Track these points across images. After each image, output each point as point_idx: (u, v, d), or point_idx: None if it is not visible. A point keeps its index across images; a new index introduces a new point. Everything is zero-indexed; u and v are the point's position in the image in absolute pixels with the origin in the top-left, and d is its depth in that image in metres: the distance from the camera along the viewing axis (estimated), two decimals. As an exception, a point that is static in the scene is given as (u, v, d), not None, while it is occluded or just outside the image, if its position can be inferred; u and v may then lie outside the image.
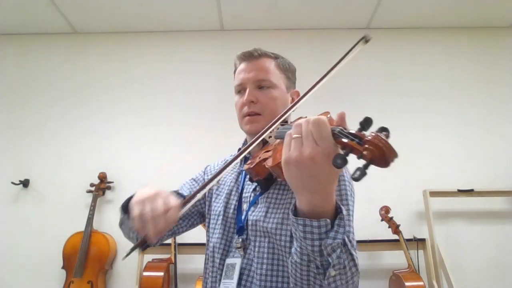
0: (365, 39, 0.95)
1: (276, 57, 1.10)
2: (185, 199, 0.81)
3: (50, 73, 3.03)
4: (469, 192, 2.57)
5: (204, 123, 2.87)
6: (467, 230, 2.62)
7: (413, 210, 2.65)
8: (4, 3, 2.75)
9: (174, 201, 0.76)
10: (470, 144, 2.82)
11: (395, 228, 2.41)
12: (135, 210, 0.76)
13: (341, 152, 0.60)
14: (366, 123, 0.60)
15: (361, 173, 0.54)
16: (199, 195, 0.83)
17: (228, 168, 0.86)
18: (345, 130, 0.62)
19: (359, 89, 2.96)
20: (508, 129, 2.86)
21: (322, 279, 0.70)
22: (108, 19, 2.98)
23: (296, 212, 0.71)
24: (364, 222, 2.46)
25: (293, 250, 0.74)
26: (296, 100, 0.99)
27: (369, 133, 0.58)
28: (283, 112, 0.94)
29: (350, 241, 0.73)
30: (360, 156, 0.57)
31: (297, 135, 0.65)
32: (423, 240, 2.50)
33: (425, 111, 2.91)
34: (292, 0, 2.80)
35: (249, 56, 1.08)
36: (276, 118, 0.92)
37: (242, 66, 1.08)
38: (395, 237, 2.42)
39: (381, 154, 0.55)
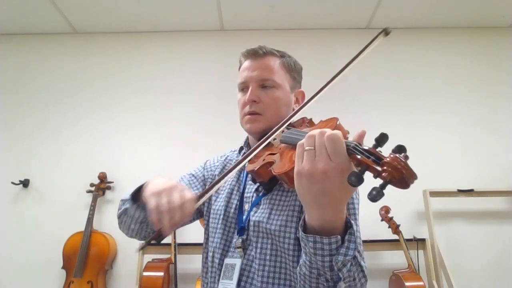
0: (386, 32, 0.91)
1: (282, 55, 1.07)
2: (200, 193, 0.83)
3: (50, 73, 3.03)
4: (469, 192, 2.57)
5: (204, 123, 2.87)
6: (467, 230, 2.62)
7: (413, 210, 2.65)
8: (4, 3, 2.75)
9: (190, 194, 0.77)
10: (470, 144, 2.82)
11: (395, 228, 2.41)
12: (151, 201, 0.76)
13: (356, 169, 0.59)
14: (381, 139, 0.59)
15: (377, 193, 0.53)
16: (212, 190, 0.84)
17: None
18: (360, 146, 0.61)
19: (359, 88, 2.96)
20: (508, 129, 2.86)
21: None
22: (108, 19, 2.98)
23: (305, 227, 0.70)
24: (364, 222, 2.45)
25: (301, 261, 0.73)
26: (304, 102, 0.96)
27: (387, 155, 0.56)
28: (290, 115, 0.92)
29: (359, 251, 0.72)
30: (377, 176, 0.56)
31: (310, 148, 0.64)
32: (423, 240, 2.50)
33: (425, 111, 2.91)
34: (292, 0, 2.80)
35: (253, 54, 1.05)
36: (284, 121, 0.90)
37: (246, 63, 1.06)
38: (395, 237, 2.42)
39: (400, 176, 0.53)
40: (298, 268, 0.75)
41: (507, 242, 2.59)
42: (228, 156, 1.17)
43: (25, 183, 2.72)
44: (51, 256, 2.50)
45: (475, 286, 2.49)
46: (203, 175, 1.15)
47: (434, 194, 2.57)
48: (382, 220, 2.47)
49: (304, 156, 0.64)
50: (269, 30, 3.08)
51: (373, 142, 0.59)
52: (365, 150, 0.59)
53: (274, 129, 0.89)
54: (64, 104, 2.94)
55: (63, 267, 2.43)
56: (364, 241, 2.61)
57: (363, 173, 0.57)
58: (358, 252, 0.71)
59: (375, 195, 0.53)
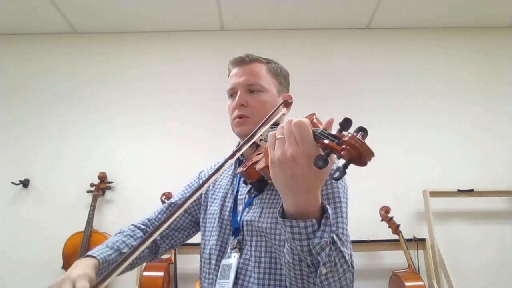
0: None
1: (268, 62, 1.12)
2: (100, 278, 0.79)
3: (50, 73, 3.03)
4: (469, 192, 2.57)
5: (204, 123, 2.87)
6: (467, 230, 2.62)
7: (413, 210, 2.65)
8: (4, 3, 2.75)
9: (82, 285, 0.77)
10: (470, 144, 2.82)
11: (395, 228, 2.41)
12: None
13: (322, 153, 0.62)
14: (345, 123, 0.63)
15: (340, 173, 0.56)
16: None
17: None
18: (326, 131, 0.64)
19: (359, 88, 2.95)
20: (508, 129, 2.87)
21: (315, 277, 0.71)
22: (108, 19, 2.98)
23: (284, 214, 0.73)
24: (364, 222, 2.46)
25: (285, 250, 0.76)
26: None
27: (346, 134, 0.60)
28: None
29: (340, 239, 0.75)
30: (339, 156, 0.59)
31: (281, 136, 0.67)
32: (423, 240, 2.50)
33: (425, 111, 2.91)
34: (292, 0, 2.80)
35: (240, 61, 1.10)
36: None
37: (234, 71, 1.11)
38: (395, 237, 2.42)
39: (358, 154, 0.57)
40: (283, 258, 0.77)
41: (507, 242, 2.59)
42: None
43: (25, 183, 2.72)
44: (51, 256, 2.50)
45: (475, 286, 2.49)
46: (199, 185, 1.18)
47: (434, 194, 2.58)
48: (382, 220, 2.47)
49: (275, 144, 0.68)
50: (269, 30, 3.08)
51: (338, 127, 0.63)
52: (330, 134, 0.63)
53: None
54: (64, 104, 2.94)
55: (63, 267, 2.43)
56: (364, 241, 2.63)
57: (328, 155, 0.60)
58: (340, 239, 0.74)
59: (339, 174, 0.56)
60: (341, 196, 0.92)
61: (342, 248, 0.73)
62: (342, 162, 0.58)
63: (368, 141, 0.64)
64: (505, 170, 2.74)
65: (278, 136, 0.68)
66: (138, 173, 2.76)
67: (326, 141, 0.62)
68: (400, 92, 2.96)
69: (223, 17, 2.97)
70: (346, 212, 0.91)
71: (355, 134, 0.59)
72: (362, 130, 0.60)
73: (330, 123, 0.68)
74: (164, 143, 2.84)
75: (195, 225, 1.17)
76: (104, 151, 2.83)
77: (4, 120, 2.91)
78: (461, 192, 2.57)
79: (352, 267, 0.77)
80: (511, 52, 3.06)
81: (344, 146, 0.58)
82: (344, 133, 0.62)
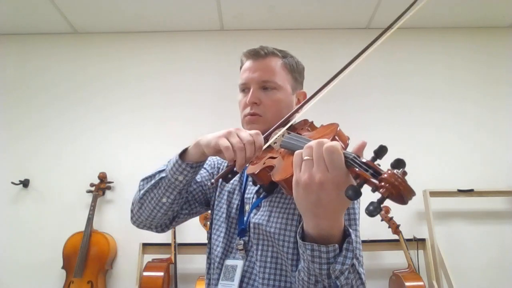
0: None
1: (283, 56, 1.06)
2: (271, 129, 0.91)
3: (50, 73, 3.03)
4: (469, 192, 2.57)
5: (204, 123, 2.87)
6: (467, 230, 2.62)
7: (413, 210, 2.65)
8: (4, 3, 2.75)
9: (253, 131, 0.83)
10: (470, 144, 2.82)
11: (395, 228, 2.41)
12: (223, 142, 0.80)
13: (354, 183, 0.59)
14: (380, 151, 0.58)
15: (374, 209, 0.53)
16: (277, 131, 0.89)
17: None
18: (358, 159, 0.60)
19: (359, 88, 2.95)
20: (508, 129, 2.87)
21: None
22: (108, 19, 2.98)
23: (303, 234, 0.70)
24: (364, 222, 2.45)
25: (300, 267, 0.74)
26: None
27: (385, 169, 0.56)
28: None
29: (357, 258, 0.72)
30: (375, 190, 0.55)
31: (308, 157, 0.63)
32: (423, 240, 2.50)
33: (425, 111, 2.91)
34: (292, 0, 2.80)
35: (255, 55, 1.04)
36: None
37: (247, 64, 1.05)
38: (395, 237, 2.42)
39: (398, 193, 0.53)
40: (297, 273, 0.75)
41: (507, 242, 2.59)
42: None
43: (25, 183, 2.72)
44: (51, 256, 2.50)
45: (475, 286, 2.49)
46: (212, 161, 1.14)
47: (434, 194, 2.58)
48: (382, 220, 2.47)
49: (302, 166, 0.64)
50: (269, 30, 3.08)
51: (372, 155, 0.59)
52: (363, 163, 0.59)
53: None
54: (64, 104, 2.94)
55: (63, 267, 2.43)
56: (364, 241, 2.61)
57: (361, 187, 0.57)
58: (357, 259, 0.71)
59: (372, 210, 0.53)
60: (356, 207, 0.89)
61: (359, 270, 0.71)
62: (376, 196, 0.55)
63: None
64: (505, 170, 2.74)
65: (305, 158, 0.63)
66: (138, 173, 2.73)
67: (358, 170, 0.58)
68: (400, 92, 2.96)
69: (223, 17, 2.97)
70: (359, 224, 0.89)
71: (395, 171, 0.54)
72: (401, 165, 0.55)
73: (362, 147, 0.64)
74: (164, 143, 2.83)
75: (200, 204, 1.08)
76: (104, 151, 2.83)
77: (4, 120, 2.91)
78: (461, 192, 2.57)
79: (364, 286, 0.75)
80: (511, 52, 3.06)
81: (383, 183, 0.54)
82: (379, 162, 0.58)
